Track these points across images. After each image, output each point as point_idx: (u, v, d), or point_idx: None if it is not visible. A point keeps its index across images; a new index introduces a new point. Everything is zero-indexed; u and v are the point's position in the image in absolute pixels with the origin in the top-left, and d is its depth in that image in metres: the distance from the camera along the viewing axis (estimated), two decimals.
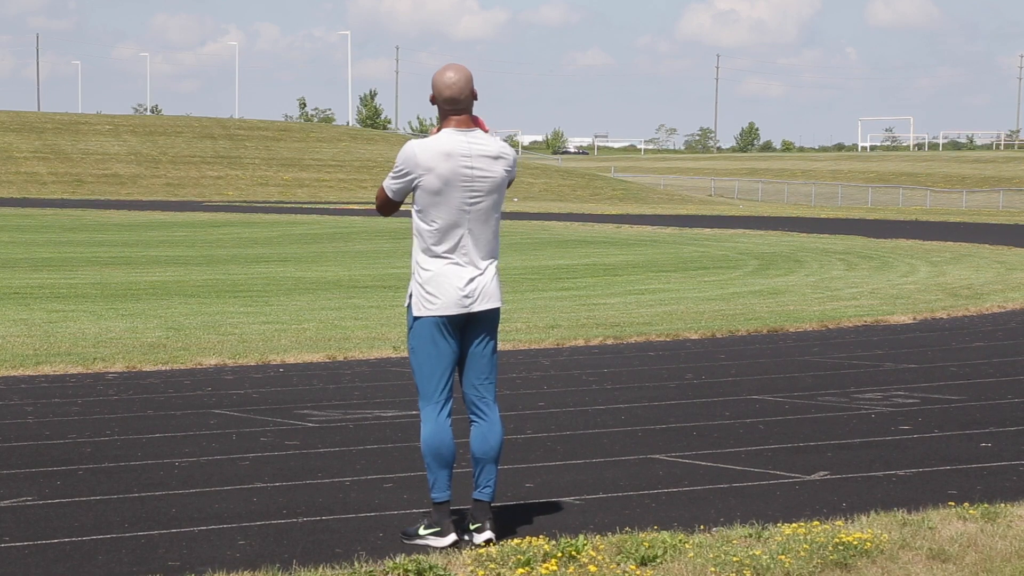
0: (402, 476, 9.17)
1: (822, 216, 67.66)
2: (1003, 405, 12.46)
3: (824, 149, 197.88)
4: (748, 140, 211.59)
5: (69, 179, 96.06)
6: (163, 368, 14.58)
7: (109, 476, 9.22)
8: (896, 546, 7.31)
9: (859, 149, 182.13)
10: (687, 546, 7.19)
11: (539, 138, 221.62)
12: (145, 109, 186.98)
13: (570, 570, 6.87)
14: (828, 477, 9.24)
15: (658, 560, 7.01)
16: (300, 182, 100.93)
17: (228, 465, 9.59)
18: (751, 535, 7.45)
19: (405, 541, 7.45)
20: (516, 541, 7.29)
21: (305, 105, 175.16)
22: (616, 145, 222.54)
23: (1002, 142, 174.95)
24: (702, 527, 7.69)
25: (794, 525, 7.62)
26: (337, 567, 6.89)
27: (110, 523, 7.88)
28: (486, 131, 7.52)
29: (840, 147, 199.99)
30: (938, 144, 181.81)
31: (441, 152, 7.37)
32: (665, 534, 7.35)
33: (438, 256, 7.42)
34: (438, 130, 7.50)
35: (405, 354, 14.78)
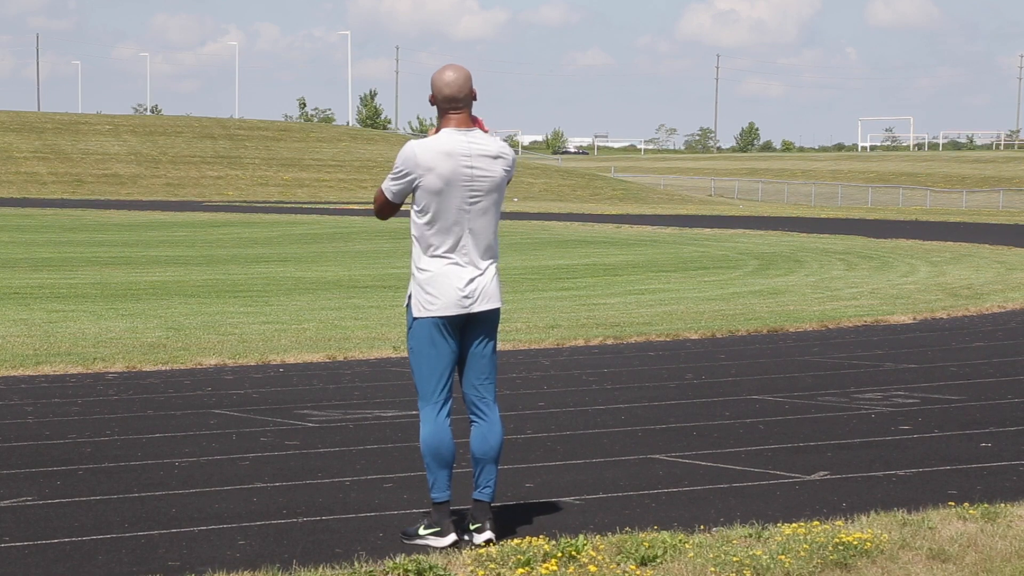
0: (402, 476, 9.17)
1: (822, 216, 67.66)
2: (1003, 405, 12.46)
3: (824, 149, 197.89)
4: (748, 140, 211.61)
5: (69, 179, 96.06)
6: (163, 368, 14.58)
7: (109, 476, 9.22)
8: (896, 546, 7.31)
9: (859, 149, 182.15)
10: (687, 546, 7.20)
11: (539, 138, 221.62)
12: (145, 109, 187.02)
13: (570, 570, 6.87)
14: (828, 477, 9.24)
15: (658, 560, 7.01)
16: (300, 182, 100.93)
17: (228, 465, 9.59)
18: (751, 535, 7.45)
19: (405, 541, 7.45)
20: (516, 541, 7.29)
21: (305, 105, 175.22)
22: (616, 145, 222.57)
23: (1002, 142, 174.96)
24: (702, 527, 7.69)
25: (794, 525, 7.62)
26: (337, 567, 6.89)
27: (110, 523, 7.88)
28: (485, 131, 7.52)
29: (840, 147, 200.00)
30: (938, 144, 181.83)
31: (441, 151, 7.37)
32: (665, 534, 7.35)
33: (438, 256, 7.41)
34: (437, 130, 7.50)
35: (405, 354, 14.78)
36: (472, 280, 7.43)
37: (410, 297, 7.50)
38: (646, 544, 7.16)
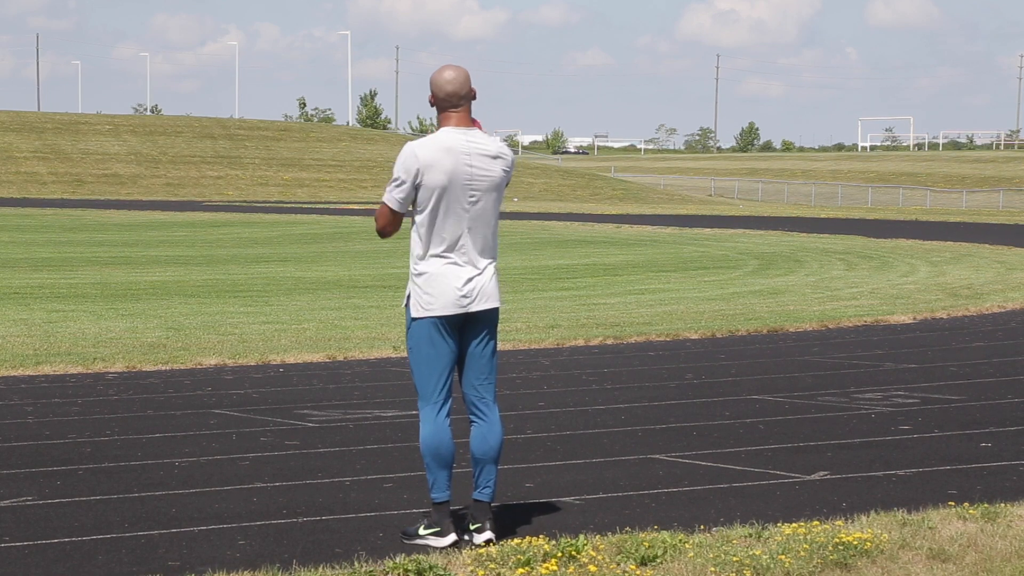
0: (402, 476, 9.17)
1: (822, 216, 67.66)
2: (1003, 405, 12.46)
3: (824, 149, 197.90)
4: (748, 140, 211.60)
5: (69, 179, 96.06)
6: (163, 368, 14.58)
7: (109, 476, 9.22)
8: (896, 546, 7.31)
9: (859, 149, 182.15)
10: (687, 546, 7.20)
11: (539, 138, 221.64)
12: (145, 109, 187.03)
13: (570, 570, 6.87)
14: (828, 477, 9.24)
15: (658, 560, 7.01)
16: (300, 182, 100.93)
17: (228, 465, 9.59)
18: (751, 535, 7.45)
19: (405, 541, 7.45)
20: (516, 541, 7.29)
21: (305, 105, 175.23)
22: (616, 145, 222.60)
23: (1002, 142, 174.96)
24: (702, 527, 7.69)
25: (794, 525, 7.62)
26: (337, 567, 6.89)
27: (110, 523, 7.88)
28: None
29: (840, 147, 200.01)
30: (938, 144, 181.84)
31: (442, 148, 7.37)
32: (665, 534, 7.35)
33: (436, 256, 7.41)
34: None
35: (405, 354, 14.74)
36: (471, 280, 7.43)
37: (409, 297, 7.50)
38: (646, 544, 7.16)
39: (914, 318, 20.40)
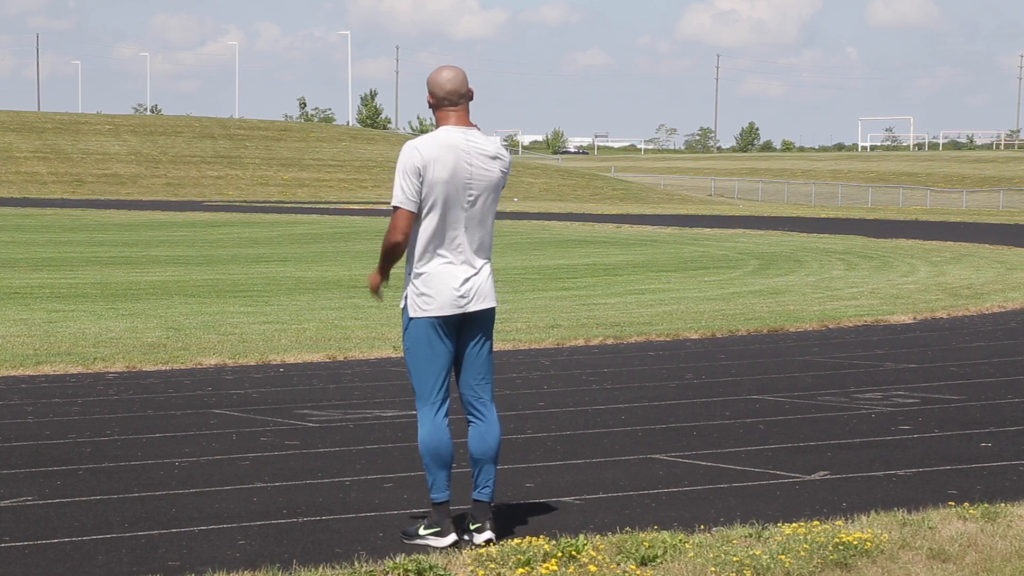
0: (402, 476, 9.17)
1: (822, 216, 67.66)
2: (1003, 405, 12.46)
3: (824, 149, 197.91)
4: (748, 140, 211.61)
5: (69, 179, 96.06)
6: (163, 368, 14.58)
7: (109, 476, 9.22)
8: (896, 546, 7.31)
9: (859, 149, 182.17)
10: (687, 546, 7.19)
11: (539, 138, 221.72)
12: (145, 109, 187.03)
13: (570, 570, 6.87)
14: (828, 477, 9.24)
15: (658, 560, 7.01)
16: (300, 182, 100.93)
17: (228, 465, 9.59)
18: (751, 535, 7.45)
19: (405, 541, 7.45)
20: (516, 541, 7.29)
21: (305, 105, 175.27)
22: (616, 145, 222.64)
23: (1002, 142, 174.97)
24: (702, 527, 7.69)
25: (794, 525, 7.62)
26: (337, 567, 6.89)
27: (110, 523, 7.88)
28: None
29: (840, 147, 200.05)
30: (938, 144, 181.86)
31: (443, 145, 7.38)
32: (665, 534, 7.35)
33: (434, 255, 7.41)
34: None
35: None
36: (467, 279, 7.43)
37: (406, 297, 7.49)
38: (646, 544, 7.16)
39: (914, 318, 20.40)
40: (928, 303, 22.60)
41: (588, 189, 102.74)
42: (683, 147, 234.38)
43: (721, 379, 14.04)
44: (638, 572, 6.90)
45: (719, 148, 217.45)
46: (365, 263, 33.72)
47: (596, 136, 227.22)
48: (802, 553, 7.09)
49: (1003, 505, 8.18)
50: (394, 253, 7.42)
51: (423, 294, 7.40)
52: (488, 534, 7.43)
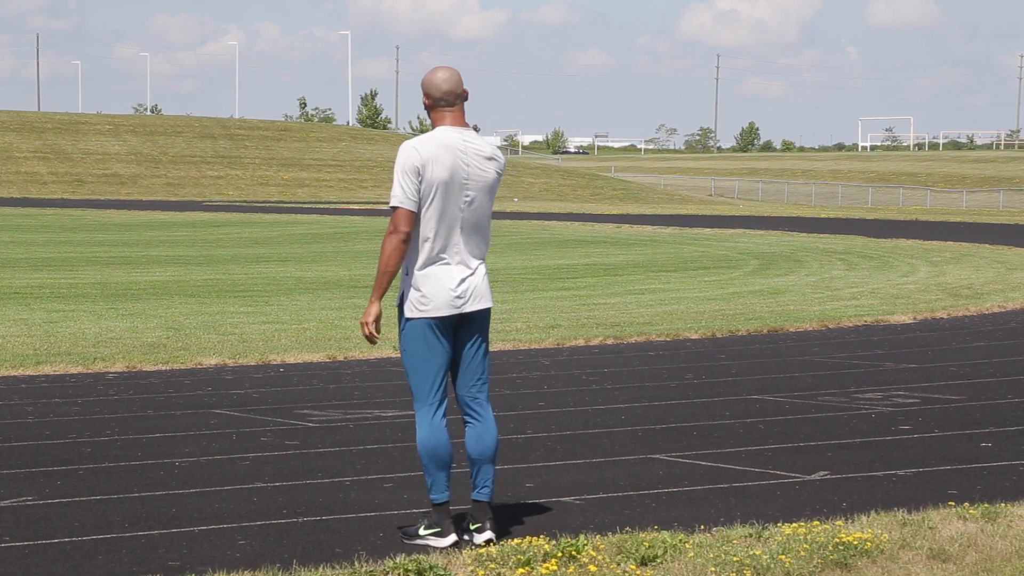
0: (402, 476, 9.17)
1: (822, 216, 67.66)
2: (1003, 405, 12.46)
3: (824, 149, 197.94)
4: (748, 140, 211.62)
5: (69, 179, 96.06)
6: (163, 368, 14.58)
7: (109, 476, 9.22)
8: (896, 546, 7.31)
9: (859, 149, 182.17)
10: (687, 546, 7.19)
11: (539, 138, 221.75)
12: (145, 109, 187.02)
13: (570, 570, 6.87)
14: (828, 477, 9.24)
15: (658, 560, 7.01)
16: (300, 182, 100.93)
17: (228, 465, 9.59)
18: (751, 535, 7.45)
19: (405, 541, 7.45)
20: (516, 541, 7.29)
21: (305, 105, 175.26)
22: (616, 145, 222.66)
23: (1002, 142, 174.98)
24: (702, 527, 7.69)
25: (794, 525, 7.62)
26: (337, 567, 6.89)
27: (110, 523, 7.88)
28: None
29: (840, 147, 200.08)
30: (938, 144, 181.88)
31: (441, 144, 7.38)
32: (665, 534, 7.35)
33: (430, 256, 7.40)
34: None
35: None
36: (464, 280, 7.43)
37: (402, 298, 7.48)
38: (646, 544, 7.16)
39: (914, 318, 20.40)
40: (928, 303, 22.60)
41: (588, 189, 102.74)
42: (683, 147, 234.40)
43: (721, 379, 14.03)
44: (638, 572, 6.90)
45: (719, 148, 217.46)
46: (365, 263, 33.71)
47: (596, 136, 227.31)
48: (802, 553, 7.09)
49: (1003, 505, 8.18)
50: (396, 257, 7.33)
51: (420, 295, 7.40)
52: (488, 534, 7.43)
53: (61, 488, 8.82)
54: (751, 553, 7.06)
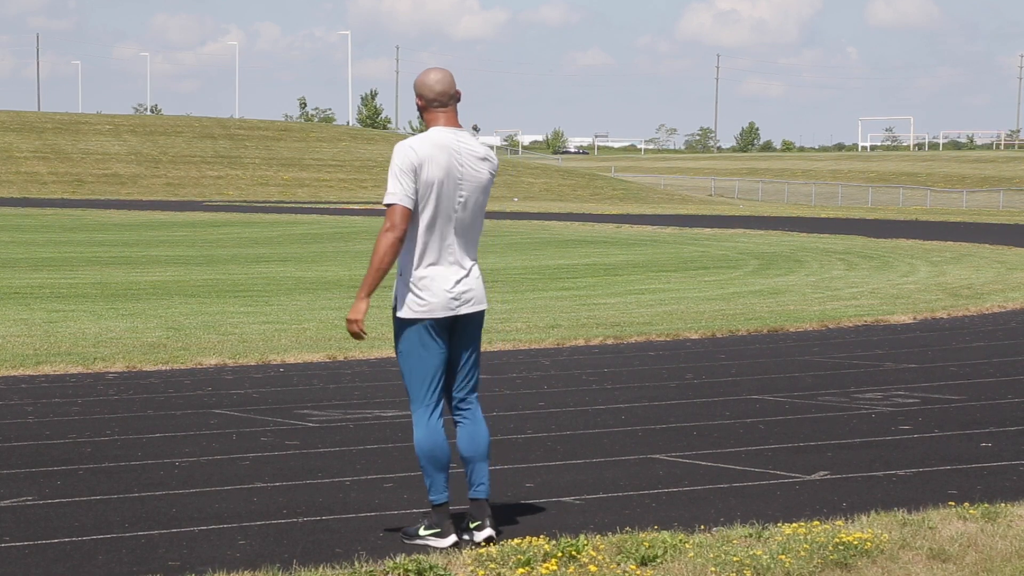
0: (402, 476, 9.17)
1: (822, 216, 67.66)
2: (1003, 405, 12.45)
3: (824, 149, 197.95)
4: (748, 140, 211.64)
5: (69, 179, 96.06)
6: (163, 368, 14.58)
7: (109, 476, 9.22)
8: (896, 546, 7.31)
9: (859, 149, 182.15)
10: (687, 546, 7.19)
11: (539, 138, 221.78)
12: (145, 109, 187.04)
13: (570, 570, 6.87)
14: (828, 477, 9.24)
15: (658, 560, 7.01)
16: (300, 182, 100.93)
17: (228, 465, 9.59)
18: (751, 535, 7.45)
19: (405, 541, 7.45)
20: (516, 541, 7.28)
21: (305, 105, 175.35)
22: (616, 145, 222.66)
23: (1002, 142, 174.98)
24: (702, 527, 7.69)
25: (794, 525, 7.62)
26: (337, 567, 6.89)
27: (110, 523, 7.88)
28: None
29: (840, 147, 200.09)
30: (938, 144, 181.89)
31: (436, 144, 7.39)
32: (665, 534, 7.35)
33: (425, 257, 7.39)
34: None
35: None
36: (459, 281, 7.43)
37: (397, 299, 7.48)
38: (646, 544, 7.16)
39: (914, 318, 20.40)
40: (928, 303, 22.60)
41: (588, 189, 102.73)
42: (683, 147, 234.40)
43: (721, 379, 14.03)
44: (638, 572, 6.90)
45: (719, 148, 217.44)
46: (365, 263, 33.69)
47: (596, 136, 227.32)
48: (802, 553, 7.09)
49: (1003, 505, 8.18)
50: (392, 254, 7.30)
51: (417, 296, 7.39)
52: (488, 531, 7.44)
53: (61, 488, 8.82)
54: (751, 553, 7.06)
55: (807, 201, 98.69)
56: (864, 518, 7.85)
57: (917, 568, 7.08)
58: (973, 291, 24.98)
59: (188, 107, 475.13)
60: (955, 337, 18.17)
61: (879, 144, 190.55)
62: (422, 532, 7.44)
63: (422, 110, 7.50)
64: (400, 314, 7.43)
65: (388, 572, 6.86)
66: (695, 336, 17.80)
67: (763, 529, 7.56)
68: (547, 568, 6.87)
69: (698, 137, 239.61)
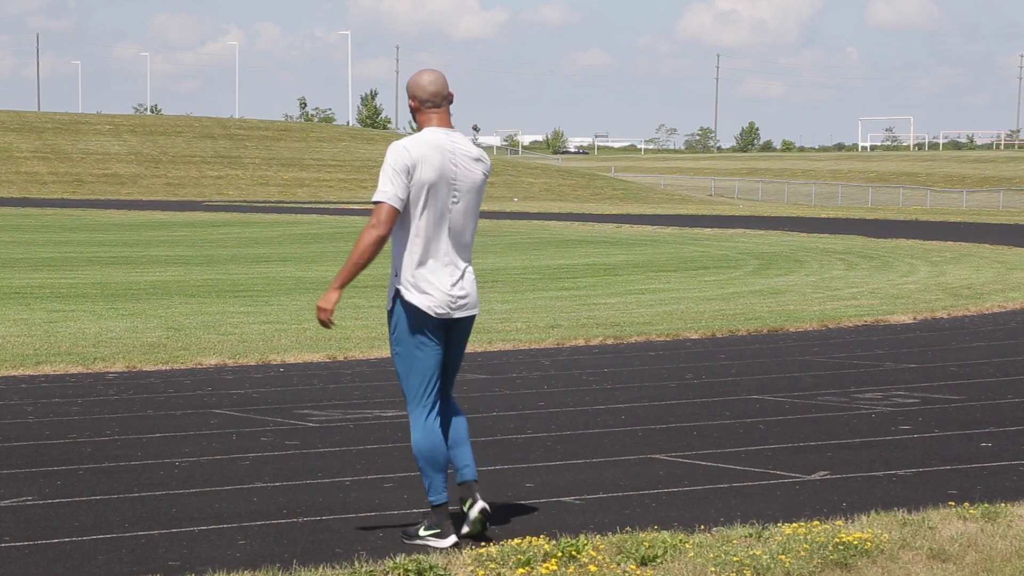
0: (402, 476, 9.17)
1: (822, 216, 67.66)
2: (1003, 405, 12.46)
3: (824, 149, 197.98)
4: (748, 140, 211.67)
5: (69, 179, 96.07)
6: (163, 368, 14.58)
7: (109, 476, 9.22)
8: (896, 546, 7.31)
9: (859, 149, 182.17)
10: (687, 546, 7.19)
11: (539, 138, 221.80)
12: (145, 109, 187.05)
13: (570, 570, 6.87)
14: (828, 477, 9.24)
15: (658, 560, 7.01)
16: (300, 182, 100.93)
17: (228, 465, 9.59)
18: (751, 535, 7.45)
19: (405, 541, 7.45)
20: (516, 541, 7.28)
21: (305, 105, 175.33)
22: (616, 145, 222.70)
23: (1002, 142, 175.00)
24: (702, 527, 7.69)
25: (794, 525, 7.62)
26: (337, 567, 6.89)
27: (110, 523, 7.88)
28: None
29: (840, 147, 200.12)
30: (938, 144, 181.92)
31: (430, 145, 7.40)
32: (665, 534, 7.35)
33: (419, 257, 7.38)
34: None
35: None
36: (455, 284, 7.43)
37: (393, 301, 7.47)
38: (646, 544, 7.16)
39: (914, 318, 20.40)
40: (928, 303, 22.60)
41: (588, 189, 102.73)
42: (683, 147, 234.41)
43: (721, 379, 14.04)
44: (638, 572, 6.90)
45: (719, 148, 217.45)
46: None
47: (596, 136, 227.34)
48: (802, 553, 7.09)
49: (1003, 505, 8.18)
50: (372, 252, 7.29)
51: (419, 290, 7.38)
52: (480, 504, 7.44)
53: (61, 488, 8.82)
54: (751, 553, 7.06)
55: (807, 201, 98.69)
56: (864, 518, 7.85)
57: (917, 568, 7.08)
58: (973, 291, 24.98)
59: (188, 107, 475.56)
60: (955, 337, 18.18)
61: (879, 144, 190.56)
62: (422, 532, 7.45)
63: (415, 111, 7.54)
64: (398, 315, 7.41)
65: (388, 572, 6.86)
66: (695, 336, 17.80)
67: (763, 529, 7.56)
68: (547, 568, 6.87)
69: (698, 137, 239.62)
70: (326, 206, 76.42)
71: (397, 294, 7.44)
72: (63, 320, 19.39)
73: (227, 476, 9.19)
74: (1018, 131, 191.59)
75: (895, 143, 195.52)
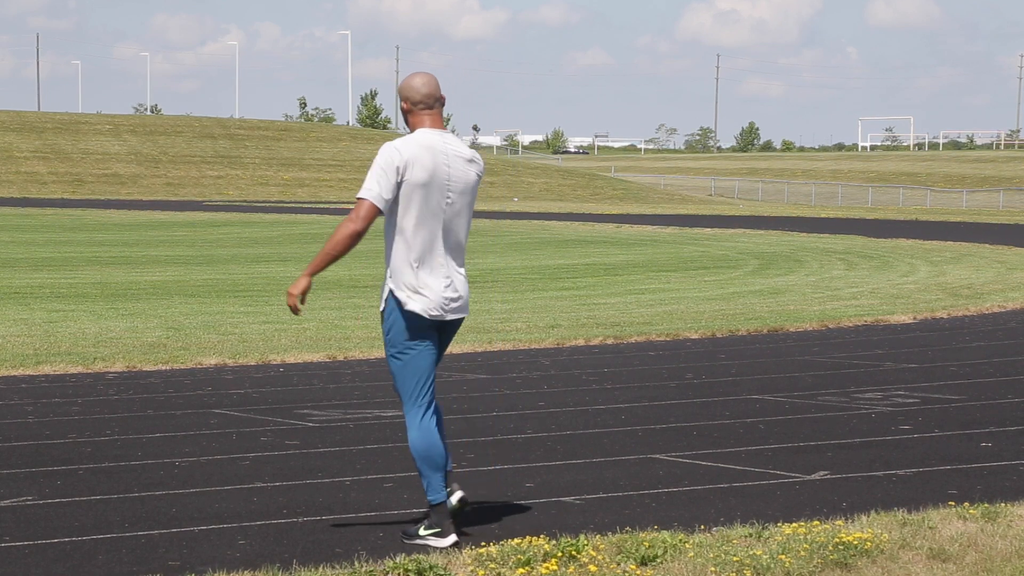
0: (402, 476, 9.17)
1: (822, 216, 67.66)
2: (1003, 405, 12.46)
3: (824, 149, 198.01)
4: (748, 140, 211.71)
5: (69, 179, 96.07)
6: (163, 368, 14.58)
7: (109, 476, 9.22)
8: (896, 546, 7.31)
9: (859, 149, 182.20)
10: (687, 546, 7.19)
11: (539, 138, 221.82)
12: (145, 109, 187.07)
13: (570, 570, 6.87)
14: (828, 477, 9.24)
15: (658, 560, 7.01)
16: (300, 182, 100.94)
17: (228, 465, 9.59)
18: (751, 535, 7.45)
19: (405, 541, 7.45)
20: (516, 541, 7.28)
21: (305, 105, 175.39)
22: (616, 145, 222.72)
23: (1002, 142, 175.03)
24: (702, 527, 7.69)
25: (794, 525, 7.62)
26: (337, 567, 6.89)
27: (110, 523, 7.88)
28: None
29: (840, 147, 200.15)
30: (938, 144, 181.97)
31: (422, 146, 7.40)
32: (665, 534, 7.35)
33: (414, 257, 7.38)
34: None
35: None
36: (449, 285, 7.44)
37: (388, 302, 7.47)
38: (646, 544, 7.16)
39: (914, 318, 20.41)
40: (928, 303, 22.60)
41: (588, 189, 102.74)
42: (683, 147, 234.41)
43: (721, 379, 14.04)
44: (638, 572, 6.90)
45: (719, 148, 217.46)
46: (365, 263, 33.70)
47: (596, 136, 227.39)
48: (802, 553, 7.09)
49: (1003, 505, 8.18)
50: (347, 246, 7.34)
51: (416, 293, 7.39)
52: (458, 493, 7.53)
53: (61, 488, 8.82)
54: (751, 553, 7.06)
55: (807, 201, 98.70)
56: (864, 518, 7.85)
57: (917, 568, 7.08)
58: (973, 291, 24.98)
59: (188, 107, 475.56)
60: (955, 337, 18.18)
61: (879, 144, 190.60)
62: (422, 532, 7.45)
63: (407, 113, 7.54)
64: (395, 315, 7.42)
65: (388, 572, 6.86)
66: (695, 336, 17.80)
67: (763, 529, 7.56)
68: (547, 568, 6.87)
69: (698, 137, 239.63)
70: (326, 206, 76.44)
71: (391, 295, 7.44)
72: (63, 320, 19.39)
73: (227, 476, 9.19)
74: (1018, 131, 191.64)
75: (895, 143, 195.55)
